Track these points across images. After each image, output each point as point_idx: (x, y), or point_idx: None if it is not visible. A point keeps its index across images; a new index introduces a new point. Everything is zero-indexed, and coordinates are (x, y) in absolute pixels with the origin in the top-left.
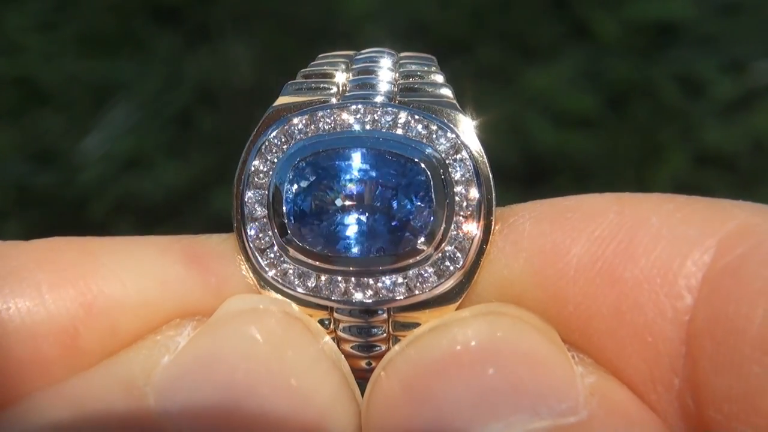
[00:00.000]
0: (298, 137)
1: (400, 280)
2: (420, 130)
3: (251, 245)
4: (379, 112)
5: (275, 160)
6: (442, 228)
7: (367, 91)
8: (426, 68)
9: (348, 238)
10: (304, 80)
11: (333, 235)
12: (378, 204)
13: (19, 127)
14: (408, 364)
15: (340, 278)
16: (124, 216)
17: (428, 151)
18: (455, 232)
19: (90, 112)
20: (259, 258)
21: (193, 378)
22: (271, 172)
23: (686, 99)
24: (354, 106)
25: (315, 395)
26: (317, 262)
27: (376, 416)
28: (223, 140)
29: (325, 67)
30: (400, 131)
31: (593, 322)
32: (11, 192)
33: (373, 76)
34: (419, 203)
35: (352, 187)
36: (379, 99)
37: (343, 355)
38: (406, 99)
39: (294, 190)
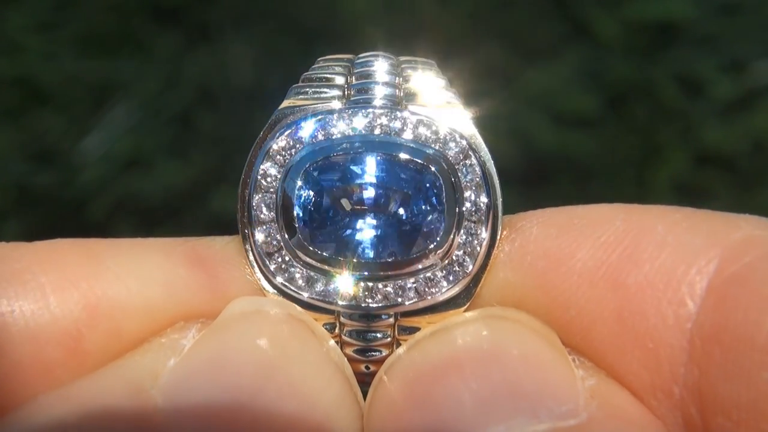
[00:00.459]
0: (308, 142)
1: (409, 284)
2: (429, 134)
3: (258, 249)
4: (388, 117)
5: (284, 164)
6: (452, 233)
7: (371, 95)
8: (428, 72)
9: (358, 242)
10: (307, 84)
11: (343, 239)
12: (388, 209)
13: (19, 127)
14: (409, 367)
15: (348, 282)
16: (124, 216)
17: (438, 155)
18: (465, 237)
19: (90, 112)
20: (266, 261)
21: (200, 380)
22: (279, 176)
23: (686, 99)
24: (364, 111)
25: (320, 398)
26: (326, 267)
27: (377, 419)
28: (223, 140)
29: (327, 71)
30: (409, 136)
31: (595, 327)
32: (11, 192)
33: (376, 80)
34: (429, 208)
35: (362, 192)
36: (386, 103)
37: (346, 359)
38: (412, 103)
39: (304, 195)
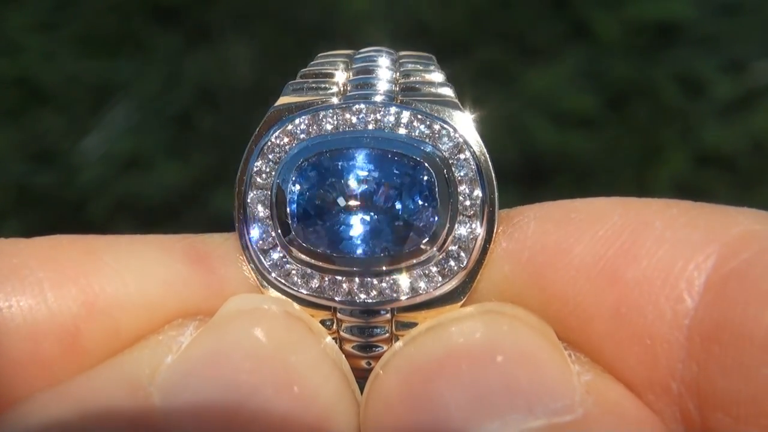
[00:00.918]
0: (301, 138)
1: (404, 280)
2: (423, 129)
3: (254, 246)
4: (381, 112)
5: (278, 161)
6: (446, 228)
7: (368, 91)
8: (426, 67)
9: (352, 238)
10: (304, 80)
11: (337, 235)
12: (382, 204)
13: (19, 127)
14: (405, 363)
15: (344, 278)
16: (123, 216)
17: (432, 150)
18: (459, 232)
19: (90, 112)
20: (262, 258)
21: (198, 377)
22: (273, 173)
23: (686, 99)
24: (356, 106)
25: (318, 395)
26: (321, 263)
27: (374, 414)
28: (223, 140)
29: (325, 67)
30: (403, 131)
31: (592, 322)
32: (11, 192)
33: (374, 75)
34: (423, 203)
35: (356, 188)
36: (380, 98)
37: (343, 355)
38: (407, 98)
39: (298, 191)
